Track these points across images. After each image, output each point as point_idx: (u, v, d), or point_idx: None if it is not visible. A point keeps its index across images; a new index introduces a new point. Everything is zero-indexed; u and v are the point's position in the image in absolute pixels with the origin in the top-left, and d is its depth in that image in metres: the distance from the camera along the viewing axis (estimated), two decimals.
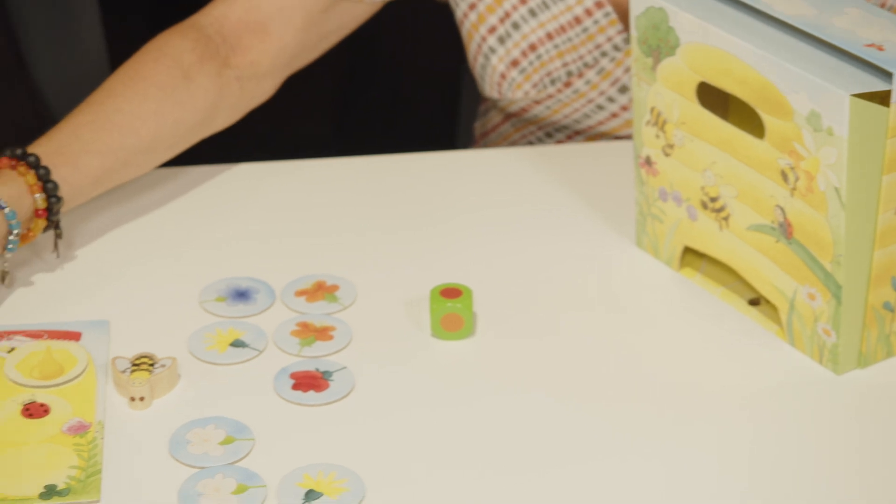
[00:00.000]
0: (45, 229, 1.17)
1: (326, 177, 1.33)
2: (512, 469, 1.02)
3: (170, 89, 1.23)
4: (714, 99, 1.13)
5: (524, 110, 1.42)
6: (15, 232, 1.13)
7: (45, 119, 1.49)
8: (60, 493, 0.99)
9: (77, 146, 1.18)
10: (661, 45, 1.12)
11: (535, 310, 1.17)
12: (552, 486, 1.00)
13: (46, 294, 1.17)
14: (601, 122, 1.40)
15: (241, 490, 0.99)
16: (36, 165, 1.15)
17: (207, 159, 1.36)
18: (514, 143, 1.49)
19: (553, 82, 1.36)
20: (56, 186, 1.15)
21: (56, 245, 1.19)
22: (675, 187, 1.17)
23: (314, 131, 2.12)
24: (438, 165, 1.35)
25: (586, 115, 1.38)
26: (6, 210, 1.12)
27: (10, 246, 1.13)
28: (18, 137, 1.40)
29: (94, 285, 1.18)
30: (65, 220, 1.24)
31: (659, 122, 1.16)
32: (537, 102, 1.39)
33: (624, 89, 1.36)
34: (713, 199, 1.15)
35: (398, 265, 1.22)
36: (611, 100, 1.38)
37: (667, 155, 1.17)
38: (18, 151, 1.15)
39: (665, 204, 1.19)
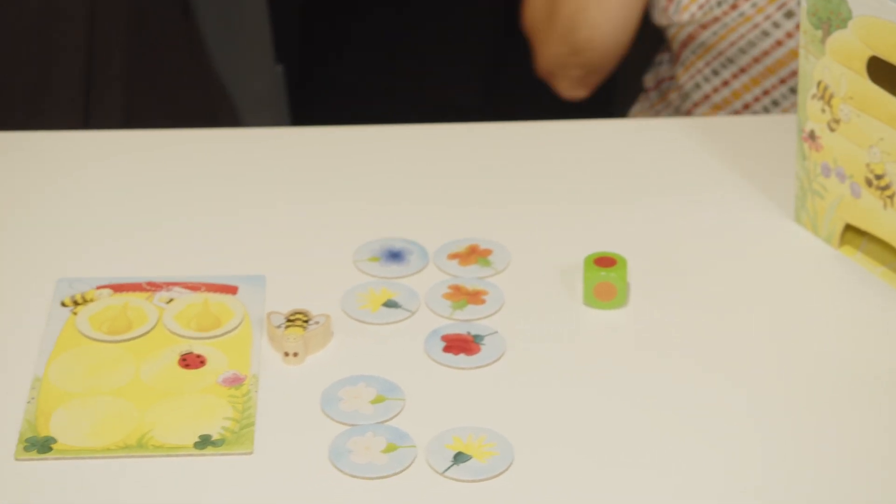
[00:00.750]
0: None
1: (481, 142, 1.33)
2: (660, 440, 1.01)
3: None
4: (884, 74, 1.10)
5: (691, 37, 1.42)
6: None
7: (203, 66, 1.51)
8: (215, 444, 1.00)
9: None
10: (832, 18, 1.10)
11: (689, 282, 1.15)
12: (702, 457, 0.99)
13: (205, 248, 1.19)
14: (766, 53, 1.39)
15: (390, 449, 1.00)
16: None
17: (362, 120, 1.36)
18: (681, 88, 1.48)
19: (719, 4, 1.36)
20: None
21: None
22: (838, 163, 1.15)
23: (463, 97, 2.12)
24: (594, 133, 1.34)
25: (751, 43, 1.38)
26: None
27: None
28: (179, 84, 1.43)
29: (252, 241, 1.20)
30: (229, 183, 1.26)
31: (825, 96, 1.14)
32: (703, 27, 1.40)
33: (790, 14, 1.35)
34: (878, 177, 1.12)
35: (552, 232, 1.21)
36: (776, 25, 1.38)
37: (832, 130, 1.15)
38: None
39: (827, 180, 1.17)
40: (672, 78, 1.53)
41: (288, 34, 1.75)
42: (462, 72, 2.22)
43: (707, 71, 1.46)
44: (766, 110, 1.45)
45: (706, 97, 1.49)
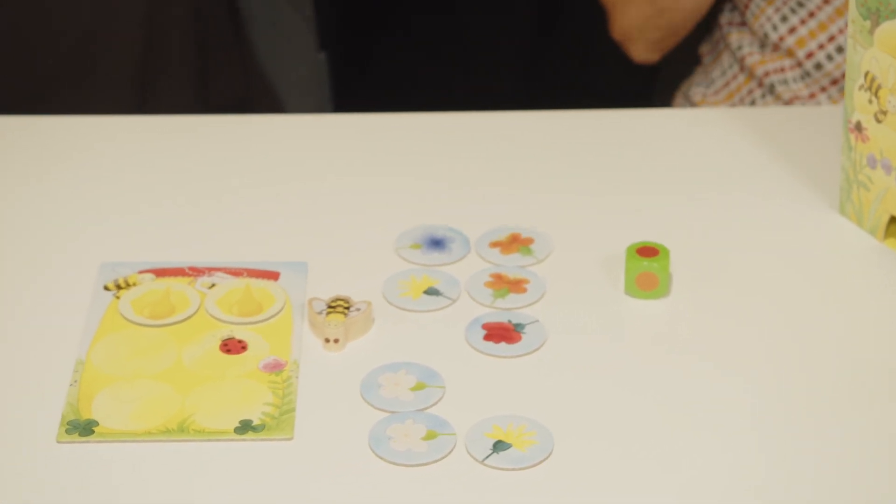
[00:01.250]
0: None
1: (523, 130, 1.33)
2: (701, 433, 1.00)
3: None
4: None
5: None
6: None
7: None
8: (255, 429, 1.00)
9: None
10: (881, 8, 1.09)
11: (732, 273, 1.15)
12: (741, 450, 0.99)
13: (247, 233, 1.19)
14: (795, 27, 1.39)
15: (430, 436, 1.00)
16: None
17: (405, 108, 1.36)
18: (735, 55, 1.50)
19: None
20: None
21: None
22: (885, 154, 1.14)
23: (502, 84, 2.12)
24: (638, 123, 1.34)
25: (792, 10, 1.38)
26: None
27: None
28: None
29: (295, 227, 1.20)
30: (272, 169, 1.26)
31: (873, 88, 1.13)
32: None
33: None
34: None
35: (594, 221, 1.21)
36: None
37: (879, 121, 1.14)
38: None
39: (873, 171, 1.16)
40: (733, 24, 1.53)
41: (331, 21, 1.75)
42: (505, 58, 2.22)
43: (776, 18, 1.45)
44: (829, 58, 1.44)
45: (775, 46, 1.48)
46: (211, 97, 1.46)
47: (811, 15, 1.43)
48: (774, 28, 1.47)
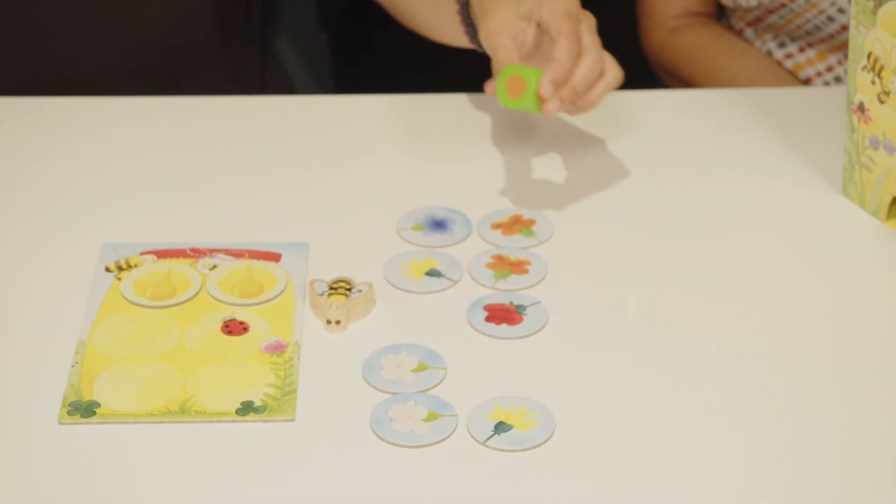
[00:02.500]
0: None
1: (523, 112, 1.32)
2: (703, 411, 1.00)
3: None
4: None
5: (759, 19, 1.44)
6: None
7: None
8: (257, 410, 1.00)
9: None
10: None
11: (735, 254, 1.15)
12: (744, 429, 0.99)
13: (249, 215, 1.19)
14: (832, 35, 1.39)
15: (432, 418, 1.00)
16: None
17: (407, 89, 1.36)
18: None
19: None
20: None
21: None
22: (887, 136, 1.14)
23: None
24: (641, 104, 1.34)
25: (817, 27, 1.38)
26: None
27: None
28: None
29: (296, 209, 1.20)
30: (273, 150, 1.26)
31: (875, 68, 1.12)
32: (771, 11, 1.41)
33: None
34: None
35: (596, 203, 1.21)
36: (841, 11, 1.38)
37: (881, 102, 1.13)
38: None
39: (876, 153, 1.16)
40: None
41: (332, 2, 1.75)
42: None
43: (773, 44, 1.45)
44: (826, 85, 1.44)
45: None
46: (238, 81, 1.46)
47: (810, 45, 1.43)
48: (771, 54, 1.47)
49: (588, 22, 1.14)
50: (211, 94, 1.37)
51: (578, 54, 1.11)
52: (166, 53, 1.40)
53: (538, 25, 1.14)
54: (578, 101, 1.13)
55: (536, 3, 1.14)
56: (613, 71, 1.13)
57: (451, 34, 1.26)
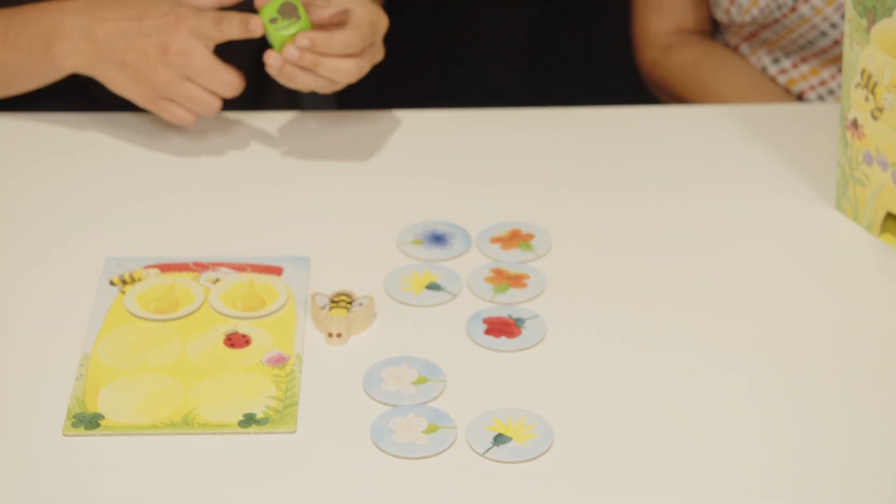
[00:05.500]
0: None
1: (524, 127, 1.34)
2: (700, 423, 1.01)
3: None
4: None
5: (753, 35, 1.45)
6: None
7: None
8: (259, 422, 1.02)
9: None
10: (878, 6, 1.10)
11: (730, 268, 1.16)
12: (740, 442, 1.00)
13: (251, 229, 1.21)
14: (824, 50, 1.41)
15: (431, 430, 1.01)
16: None
17: (407, 104, 1.37)
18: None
19: (779, 7, 1.38)
20: None
21: None
22: (881, 151, 1.15)
23: (503, 80, 2.12)
24: (638, 119, 1.35)
25: (810, 42, 1.40)
26: None
27: None
28: None
29: (298, 223, 1.21)
30: (275, 165, 1.27)
31: (869, 85, 1.14)
32: (764, 27, 1.43)
33: None
34: None
35: (594, 217, 1.22)
36: (833, 26, 1.40)
37: (875, 118, 1.15)
38: None
39: (869, 168, 1.17)
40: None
41: None
42: (506, 55, 2.23)
43: (767, 59, 1.47)
44: (820, 98, 1.46)
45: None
46: (266, 101, 1.48)
47: (804, 60, 1.45)
48: (765, 69, 1.48)
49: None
50: (234, 102, 1.39)
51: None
52: None
53: None
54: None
55: None
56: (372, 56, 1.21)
57: None
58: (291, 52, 1.19)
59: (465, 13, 1.95)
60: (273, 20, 1.19)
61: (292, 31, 1.18)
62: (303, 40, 1.19)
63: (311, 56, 1.20)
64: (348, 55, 1.21)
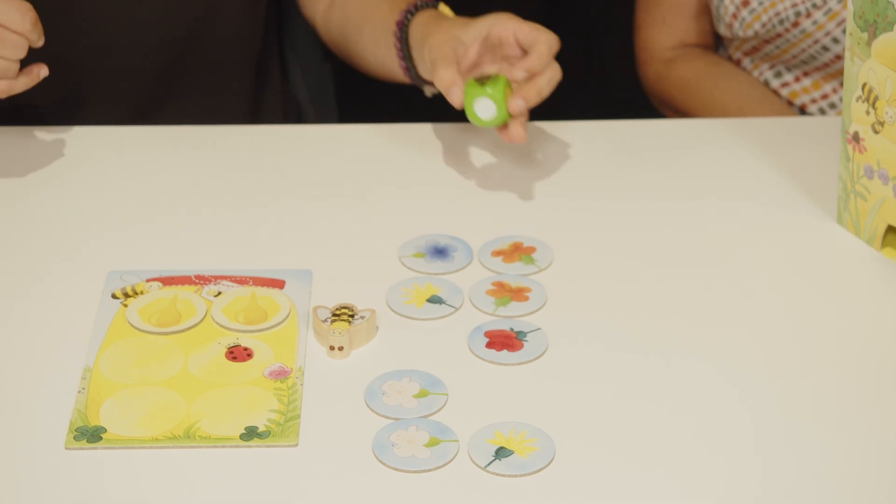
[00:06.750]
0: None
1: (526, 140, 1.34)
2: (702, 437, 1.01)
3: None
4: None
5: (755, 49, 1.46)
6: None
7: None
8: (260, 436, 1.02)
9: None
10: (879, 20, 1.10)
11: (732, 282, 1.16)
12: (742, 455, 1.00)
13: (253, 242, 1.21)
14: (826, 65, 1.42)
15: (433, 443, 1.01)
16: None
17: (409, 118, 1.37)
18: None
19: (781, 22, 1.38)
20: None
21: None
22: (882, 165, 1.16)
23: None
24: (640, 133, 1.35)
25: (812, 57, 1.40)
26: None
27: None
28: None
29: (300, 236, 1.21)
30: (277, 178, 1.27)
31: (870, 99, 1.14)
32: (767, 41, 1.43)
33: None
34: None
35: (596, 230, 1.22)
36: (836, 41, 1.40)
37: (876, 132, 1.15)
38: None
39: (870, 182, 1.17)
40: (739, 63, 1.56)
41: None
42: None
43: (770, 73, 1.47)
44: (822, 112, 1.46)
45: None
46: (263, 115, 1.49)
47: (805, 74, 1.45)
48: (767, 83, 1.49)
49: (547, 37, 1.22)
50: (232, 117, 1.39)
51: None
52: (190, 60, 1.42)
53: (486, 40, 1.23)
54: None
55: (484, 23, 1.23)
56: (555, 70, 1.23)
57: (393, 70, 1.34)
58: (517, 106, 1.20)
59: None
60: (482, 85, 1.20)
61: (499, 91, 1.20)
62: (519, 102, 1.20)
63: (533, 92, 1.21)
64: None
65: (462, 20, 1.26)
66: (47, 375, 1.07)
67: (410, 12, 1.30)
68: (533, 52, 1.20)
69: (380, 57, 1.35)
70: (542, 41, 1.20)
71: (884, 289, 1.16)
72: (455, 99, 1.20)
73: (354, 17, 1.39)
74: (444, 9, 1.31)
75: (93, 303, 1.14)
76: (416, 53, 1.28)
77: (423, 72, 1.28)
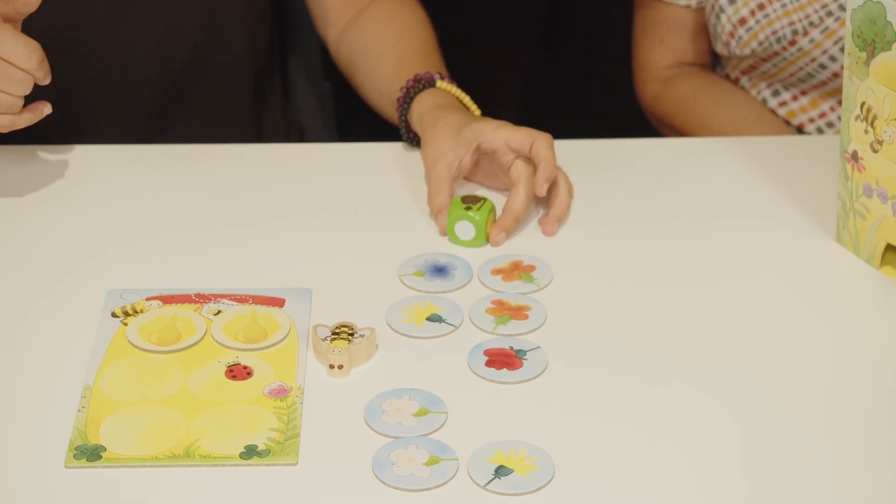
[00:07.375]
0: None
1: None
2: (699, 456, 1.01)
3: None
4: None
5: (752, 67, 1.46)
6: None
7: None
8: (260, 454, 1.02)
9: None
10: (877, 40, 1.11)
11: (731, 300, 1.16)
12: (740, 476, 1.00)
13: (253, 261, 1.21)
14: (823, 83, 1.43)
15: (433, 462, 1.01)
16: None
17: (400, 138, 1.38)
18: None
19: (778, 41, 1.39)
20: None
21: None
22: (881, 184, 1.16)
23: (505, 114, 2.14)
24: (640, 152, 1.36)
25: (809, 74, 1.41)
26: None
27: None
28: None
29: (299, 255, 1.22)
30: (276, 197, 1.28)
31: (868, 118, 1.14)
32: (764, 60, 1.44)
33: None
34: None
35: (595, 248, 1.22)
36: (833, 59, 1.41)
37: (875, 151, 1.15)
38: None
39: (869, 200, 1.18)
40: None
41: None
42: (507, 89, 2.23)
43: (767, 92, 1.48)
44: (820, 131, 1.46)
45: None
46: (265, 136, 1.50)
47: (803, 92, 1.46)
48: (765, 102, 1.49)
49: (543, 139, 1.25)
50: (235, 138, 1.40)
51: (530, 198, 1.24)
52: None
53: (478, 148, 1.26)
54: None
55: (473, 133, 1.26)
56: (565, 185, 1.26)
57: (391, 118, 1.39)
58: (499, 238, 1.23)
59: (466, 48, 1.96)
60: (467, 208, 1.22)
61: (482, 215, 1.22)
62: (501, 234, 1.23)
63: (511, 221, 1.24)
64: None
65: (455, 120, 1.27)
66: (47, 393, 1.07)
67: (410, 97, 1.32)
68: (541, 161, 1.22)
69: (381, 108, 1.41)
70: (542, 146, 1.23)
71: (883, 308, 1.16)
72: (439, 226, 1.24)
73: (362, 64, 1.42)
74: (443, 85, 1.33)
75: (93, 321, 1.14)
76: (415, 126, 1.32)
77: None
